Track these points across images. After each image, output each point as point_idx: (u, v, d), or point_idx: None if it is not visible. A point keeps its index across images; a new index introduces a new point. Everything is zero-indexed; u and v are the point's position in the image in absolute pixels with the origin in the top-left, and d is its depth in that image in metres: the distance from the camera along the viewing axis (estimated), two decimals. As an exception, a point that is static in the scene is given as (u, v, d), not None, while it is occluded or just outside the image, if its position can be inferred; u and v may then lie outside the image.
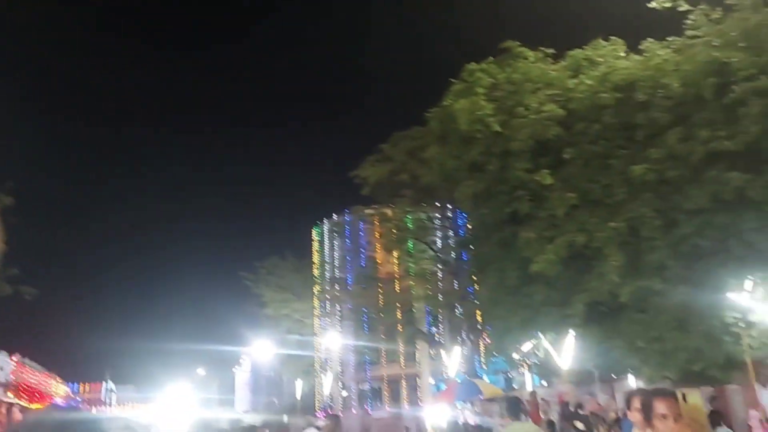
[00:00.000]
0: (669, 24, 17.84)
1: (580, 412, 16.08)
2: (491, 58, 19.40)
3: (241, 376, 78.88)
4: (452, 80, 19.14)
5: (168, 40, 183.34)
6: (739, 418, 13.53)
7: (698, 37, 16.77)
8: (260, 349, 44.01)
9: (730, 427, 13.13)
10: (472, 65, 18.99)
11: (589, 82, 16.90)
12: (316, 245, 43.99)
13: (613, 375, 20.15)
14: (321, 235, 43.68)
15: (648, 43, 17.32)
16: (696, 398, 2.32)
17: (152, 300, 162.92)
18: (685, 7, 15.98)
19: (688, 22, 17.15)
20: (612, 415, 15.20)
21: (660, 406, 2.63)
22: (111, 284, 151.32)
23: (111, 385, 59.42)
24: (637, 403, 3.82)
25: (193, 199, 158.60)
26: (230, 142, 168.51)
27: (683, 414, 2.46)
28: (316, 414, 35.89)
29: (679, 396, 2.49)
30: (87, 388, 58.32)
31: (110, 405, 54.75)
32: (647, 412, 2.68)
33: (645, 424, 2.71)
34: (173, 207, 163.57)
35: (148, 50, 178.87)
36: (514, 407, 7.29)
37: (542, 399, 21.64)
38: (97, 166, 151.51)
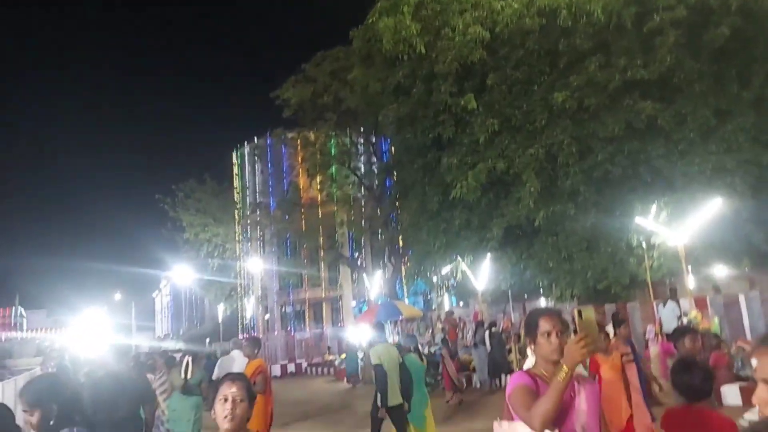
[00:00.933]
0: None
1: (494, 329, 16.88)
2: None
3: (161, 300, 77.81)
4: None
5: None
6: (637, 332, 14.57)
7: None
8: (180, 274, 43.30)
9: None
10: (399, -19, 18.28)
11: (515, 5, 16.69)
12: (236, 169, 42.77)
13: (525, 295, 21.20)
14: (241, 158, 42.35)
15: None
16: (589, 314, 2.37)
17: (65, 220, 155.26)
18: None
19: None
20: (522, 332, 16.09)
21: (543, 324, 2.67)
22: (20, 202, 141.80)
23: (21, 309, 57.03)
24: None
25: (111, 116, 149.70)
26: (149, 60, 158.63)
27: (580, 330, 2.47)
28: (241, 337, 36.04)
29: (575, 313, 2.51)
30: (-6, 312, 55.75)
31: (21, 330, 52.74)
32: (531, 330, 2.73)
33: (530, 341, 2.76)
34: (91, 122, 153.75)
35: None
36: (380, 329, 8.74)
37: (459, 318, 22.57)
38: (9, 78, 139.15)
